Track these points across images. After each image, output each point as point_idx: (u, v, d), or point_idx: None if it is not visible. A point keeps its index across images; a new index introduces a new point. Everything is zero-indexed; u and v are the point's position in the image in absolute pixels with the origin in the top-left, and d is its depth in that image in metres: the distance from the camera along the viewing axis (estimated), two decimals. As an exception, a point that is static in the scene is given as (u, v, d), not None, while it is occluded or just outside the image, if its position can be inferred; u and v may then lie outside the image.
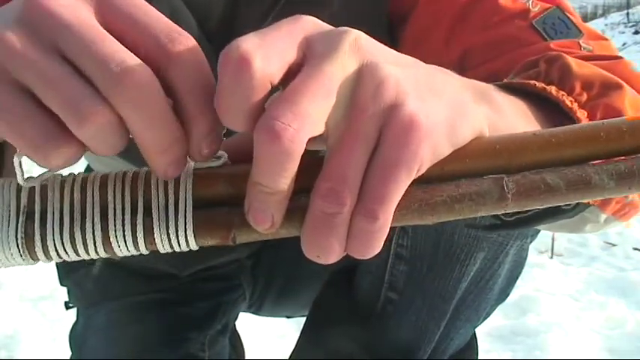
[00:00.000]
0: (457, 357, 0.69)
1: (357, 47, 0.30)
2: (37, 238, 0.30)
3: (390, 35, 0.65)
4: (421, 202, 0.30)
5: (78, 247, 0.30)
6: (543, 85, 0.41)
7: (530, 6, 0.58)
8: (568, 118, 0.40)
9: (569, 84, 0.41)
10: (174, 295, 0.80)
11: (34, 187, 0.31)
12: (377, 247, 0.30)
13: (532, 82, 0.40)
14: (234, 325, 0.91)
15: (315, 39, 0.30)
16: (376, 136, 0.29)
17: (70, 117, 0.27)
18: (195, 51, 0.29)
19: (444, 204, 0.31)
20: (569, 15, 0.58)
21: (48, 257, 0.31)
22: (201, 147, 0.30)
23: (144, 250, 0.31)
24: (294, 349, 0.74)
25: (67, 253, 0.30)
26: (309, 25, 0.31)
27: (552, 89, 0.40)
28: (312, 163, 0.29)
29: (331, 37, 0.30)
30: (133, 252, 0.31)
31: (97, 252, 0.31)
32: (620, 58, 0.53)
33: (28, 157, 0.29)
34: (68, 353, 0.86)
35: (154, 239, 0.30)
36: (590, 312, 1.54)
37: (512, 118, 0.36)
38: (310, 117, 0.28)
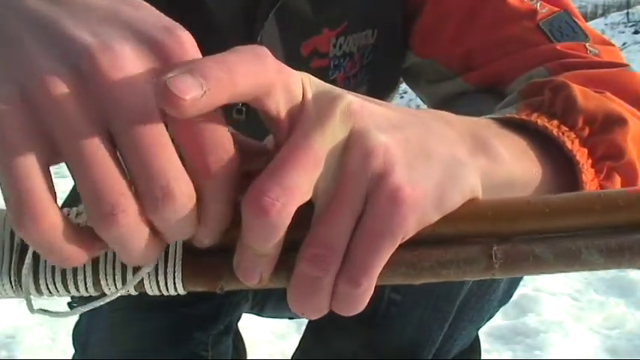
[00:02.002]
0: (460, 358, 0.70)
1: (349, 114, 0.30)
2: (30, 275, 0.30)
3: (402, 32, 0.65)
4: (408, 266, 0.31)
5: (69, 286, 0.31)
6: (545, 123, 0.40)
7: (538, 8, 0.58)
8: (568, 157, 0.40)
9: (571, 119, 0.41)
10: (178, 295, 0.80)
11: None
12: (361, 308, 0.31)
13: (534, 119, 0.40)
14: (237, 326, 0.91)
15: (308, 103, 0.30)
16: (363, 204, 0.29)
17: (96, 211, 0.27)
18: (231, 167, 0.29)
19: (431, 269, 0.31)
20: (576, 19, 0.58)
21: (39, 293, 0.31)
22: (204, 242, 0.30)
23: (133, 292, 0.32)
24: (296, 349, 0.75)
25: (57, 290, 0.31)
26: (305, 82, 0.31)
27: (554, 128, 0.40)
28: (304, 215, 0.29)
29: (324, 103, 0.30)
30: (123, 293, 0.32)
31: (87, 291, 0.31)
32: (626, 66, 0.53)
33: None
34: (68, 353, 0.86)
35: (143, 285, 0.31)
36: (589, 312, 1.54)
37: (509, 165, 0.35)
38: (298, 189, 0.28)
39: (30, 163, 0.26)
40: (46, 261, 0.31)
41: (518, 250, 0.31)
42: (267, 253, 0.30)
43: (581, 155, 0.40)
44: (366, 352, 0.65)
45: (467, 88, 0.62)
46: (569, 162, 0.40)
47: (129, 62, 0.27)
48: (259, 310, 0.91)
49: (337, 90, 0.31)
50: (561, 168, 0.40)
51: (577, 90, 0.43)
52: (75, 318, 0.87)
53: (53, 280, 0.31)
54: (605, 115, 0.42)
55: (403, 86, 0.77)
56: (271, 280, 0.31)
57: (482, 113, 0.51)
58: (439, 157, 0.31)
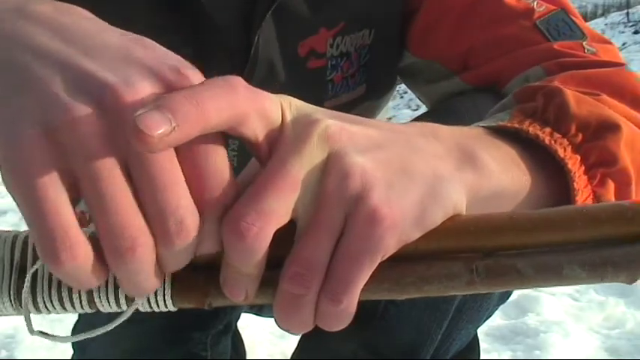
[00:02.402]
0: (459, 357, 0.70)
1: (326, 137, 0.30)
2: (28, 294, 0.32)
3: (400, 32, 0.65)
4: (391, 282, 0.31)
5: (65, 305, 0.32)
6: (537, 131, 0.40)
7: (535, 6, 0.58)
8: (559, 166, 0.40)
9: (564, 125, 0.41)
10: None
11: (27, 243, 0.32)
12: (345, 323, 0.32)
13: (526, 127, 0.40)
14: (236, 326, 0.91)
15: (287, 127, 0.31)
16: (342, 224, 0.30)
17: (114, 246, 0.28)
18: (229, 192, 0.30)
19: (414, 285, 0.31)
20: (573, 18, 0.58)
21: (37, 310, 0.32)
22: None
23: (125, 309, 0.33)
24: (295, 350, 0.74)
25: (55, 308, 0.32)
26: (284, 105, 0.31)
27: (546, 136, 0.40)
28: (289, 232, 0.30)
29: (302, 127, 0.31)
30: (116, 310, 0.33)
31: (82, 308, 0.33)
32: (623, 65, 0.53)
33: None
34: (68, 353, 0.86)
35: (134, 301, 0.32)
36: (589, 312, 1.54)
37: (497, 177, 0.36)
38: (275, 213, 0.29)
39: (60, 200, 0.27)
40: (43, 280, 0.32)
41: (499, 265, 0.31)
42: (250, 272, 0.30)
43: (573, 163, 0.40)
44: (364, 352, 0.65)
45: (465, 87, 0.62)
46: (562, 170, 0.40)
47: (146, 95, 0.28)
48: (258, 309, 0.91)
49: (317, 113, 0.32)
50: (554, 175, 0.40)
51: (570, 96, 0.43)
52: (74, 318, 0.87)
53: (50, 298, 0.32)
54: (598, 122, 0.42)
55: (403, 86, 0.77)
56: (257, 296, 0.32)
57: (479, 112, 0.51)
58: (421, 175, 0.31)
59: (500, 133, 0.40)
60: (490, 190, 0.35)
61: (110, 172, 0.27)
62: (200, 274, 0.32)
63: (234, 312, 0.85)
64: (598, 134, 0.42)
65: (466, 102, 0.60)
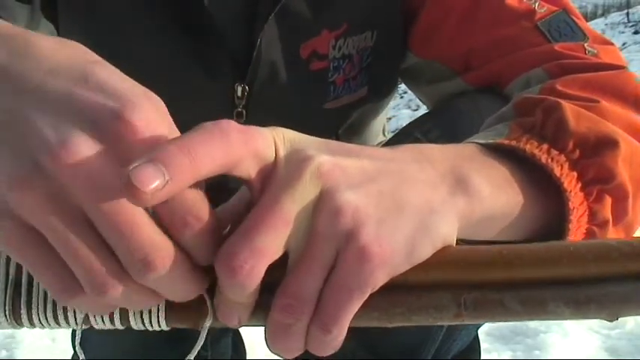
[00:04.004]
0: (460, 357, 0.70)
1: (319, 175, 0.31)
2: (24, 310, 0.33)
3: (402, 33, 0.65)
4: (380, 312, 0.32)
5: (60, 320, 0.33)
6: (534, 149, 0.40)
7: (537, 7, 0.58)
8: (556, 184, 0.40)
9: (562, 142, 0.41)
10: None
11: None
12: (335, 349, 0.32)
13: (522, 145, 0.40)
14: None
15: (280, 163, 0.31)
16: (333, 259, 0.31)
17: (89, 289, 0.29)
18: (206, 231, 0.30)
19: (402, 315, 0.32)
20: (575, 18, 0.58)
21: (32, 325, 0.33)
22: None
23: (119, 327, 0.33)
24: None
25: (49, 323, 0.33)
26: (277, 140, 0.32)
27: (543, 154, 0.40)
28: (283, 258, 0.31)
29: (294, 164, 0.31)
30: (110, 327, 0.33)
31: (76, 324, 0.33)
32: (624, 67, 0.53)
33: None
34: (68, 353, 0.86)
35: (129, 319, 0.33)
36: (590, 312, 1.54)
37: (490, 200, 0.36)
38: (267, 250, 0.30)
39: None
40: (38, 296, 0.33)
41: (486, 299, 0.32)
42: (243, 302, 0.31)
43: (569, 181, 0.40)
44: (365, 352, 0.65)
45: (466, 88, 0.62)
46: (558, 187, 0.40)
47: (85, 152, 0.27)
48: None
49: (310, 148, 0.32)
50: (550, 192, 0.40)
51: (569, 111, 0.43)
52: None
53: (45, 314, 0.33)
54: (596, 138, 0.42)
55: (403, 86, 0.77)
56: (250, 321, 0.33)
57: (481, 113, 0.51)
58: (412, 209, 0.32)
59: (496, 149, 0.40)
60: (483, 213, 0.36)
61: (68, 226, 0.28)
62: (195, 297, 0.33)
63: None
64: (596, 151, 0.42)
65: (468, 102, 0.60)
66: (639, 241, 0.33)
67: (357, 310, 0.31)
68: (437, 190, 0.34)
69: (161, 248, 0.28)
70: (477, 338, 0.73)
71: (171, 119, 0.31)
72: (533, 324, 1.45)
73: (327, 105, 0.66)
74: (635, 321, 1.49)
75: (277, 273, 0.31)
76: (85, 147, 0.27)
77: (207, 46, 0.60)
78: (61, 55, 0.31)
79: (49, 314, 0.33)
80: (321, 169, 0.31)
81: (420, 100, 0.75)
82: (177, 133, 0.30)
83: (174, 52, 0.60)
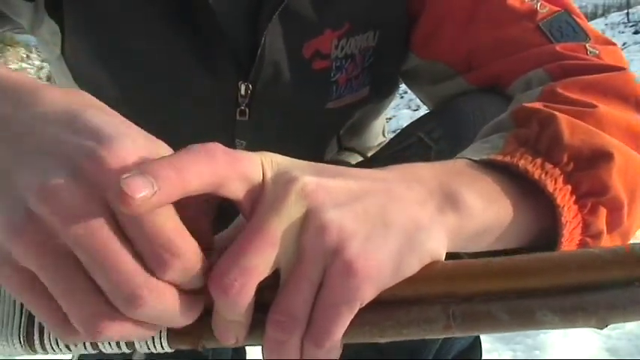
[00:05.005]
0: (461, 357, 0.70)
1: (304, 195, 0.32)
2: (37, 337, 0.35)
3: (404, 34, 0.65)
4: (372, 326, 0.33)
5: (70, 347, 0.35)
6: (528, 164, 0.40)
7: (538, 8, 0.58)
8: (549, 199, 0.40)
9: (557, 155, 0.41)
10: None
11: None
12: None
13: (516, 160, 0.40)
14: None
15: (267, 185, 0.32)
16: (321, 276, 0.32)
17: (83, 330, 0.30)
18: (188, 260, 0.30)
19: (392, 328, 0.33)
20: (576, 19, 0.58)
21: (44, 351, 0.35)
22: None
23: (126, 351, 0.35)
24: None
25: (61, 350, 0.35)
26: (264, 163, 0.33)
27: (536, 169, 0.40)
28: (276, 277, 0.32)
29: (280, 186, 0.32)
30: (117, 352, 0.35)
31: (86, 349, 0.35)
32: (625, 68, 0.53)
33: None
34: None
35: (134, 344, 0.34)
36: (590, 312, 1.55)
37: (480, 216, 0.37)
38: (256, 269, 0.31)
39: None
40: None
41: (475, 311, 0.33)
42: (238, 320, 0.32)
43: (563, 195, 0.40)
44: (368, 350, 0.65)
45: (468, 88, 0.63)
46: (551, 202, 0.40)
47: (63, 193, 0.29)
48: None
49: (295, 170, 0.33)
50: (543, 206, 0.40)
51: (564, 124, 0.43)
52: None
53: (57, 340, 0.35)
54: (591, 151, 0.42)
55: (403, 86, 0.77)
56: (247, 339, 0.34)
57: (484, 113, 0.51)
58: (398, 226, 0.33)
59: (489, 163, 0.40)
60: (474, 229, 0.36)
61: (58, 267, 0.29)
62: (195, 319, 0.34)
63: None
64: (590, 164, 0.42)
65: (471, 102, 0.60)
66: (622, 248, 0.33)
67: (347, 324, 0.32)
68: (424, 208, 0.34)
69: (148, 282, 0.29)
70: (478, 338, 0.73)
71: (161, 148, 0.32)
72: (534, 324, 1.46)
73: (329, 105, 0.66)
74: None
75: (272, 292, 0.32)
76: (63, 187, 0.28)
77: (211, 45, 0.60)
78: (61, 102, 0.32)
79: (61, 341, 0.34)
80: (306, 189, 0.32)
81: (421, 100, 0.75)
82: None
83: (178, 50, 0.61)
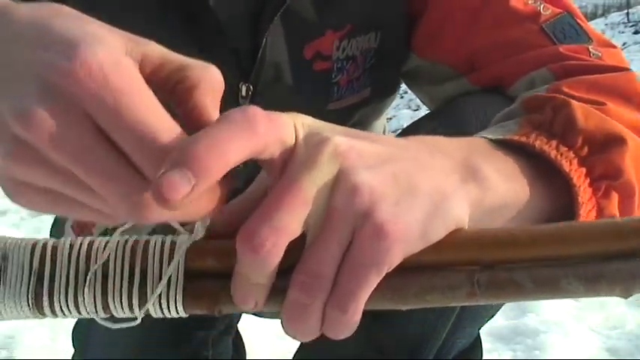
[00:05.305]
0: (462, 357, 0.70)
1: (336, 155, 0.32)
2: (46, 298, 0.34)
3: (406, 35, 0.65)
4: (394, 292, 0.33)
5: (80, 309, 0.34)
6: (544, 145, 0.41)
7: (541, 10, 0.59)
8: (565, 179, 0.41)
9: (571, 138, 0.42)
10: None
11: (45, 250, 0.34)
12: (350, 332, 0.33)
13: (532, 140, 0.41)
14: (237, 326, 0.91)
15: (299, 145, 0.32)
16: (349, 238, 0.31)
17: (127, 209, 0.30)
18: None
19: (416, 295, 0.33)
20: (579, 21, 0.59)
21: (54, 314, 0.34)
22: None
23: (139, 315, 0.34)
24: (299, 349, 0.74)
25: (70, 312, 0.34)
26: (298, 123, 0.33)
27: (552, 150, 0.41)
28: (300, 241, 0.32)
29: (312, 145, 0.32)
30: (129, 315, 0.34)
31: (97, 313, 0.34)
32: (628, 69, 0.54)
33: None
34: (68, 353, 0.86)
35: (148, 308, 0.34)
36: (589, 312, 1.54)
37: (500, 191, 0.37)
38: (287, 228, 0.30)
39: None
40: (60, 285, 0.34)
41: (499, 278, 0.33)
42: (261, 282, 0.32)
43: (578, 177, 0.41)
44: (369, 351, 0.65)
45: (470, 88, 0.63)
46: (566, 183, 0.40)
47: (47, 120, 0.28)
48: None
49: (327, 131, 0.33)
50: (558, 188, 0.41)
51: (578, 109, 0.43)
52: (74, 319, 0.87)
53: (67, 304, 0.34)
54: (604, 135, 0.43)
55: (403, 87, 0.77)
56: (266, 305, 0.33)
57: (487, 113, 0.51)
58: (425, 192, 0.33)
59: (505, 144, 0.40)
60: (493, 203, 0.36)
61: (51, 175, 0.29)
62: (211, 281, 0.34)
63: (235, 313, 0.85)
64: (604, 148, 0.42)
65: (473, 102, 0.60)
66: None
67: (373, 288, 0.31)
68: (449, 177, 0.34)
69: (142, 186, 0.29)
70: (478, 338, 0.73)
71: (147, 46, 0.32)
72: (534, 324, 1.45)
73: (330, 106, 0.66)
74: (635, 321, 1.49)
75: (294, 256, 0.31)
76: (39, 112, 0.28)
77: (212, 46, 0.60)
78: (28, 19, 0.31)
79: (71, 302, 0.34)
80: (338, 149, 0.32)
81: (421, 100, 0.75)
82: (144, 71, 0.31)
83: (179, 50, 0.60)
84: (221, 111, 0.64)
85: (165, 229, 0.34)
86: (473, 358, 0.72)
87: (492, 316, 0.71)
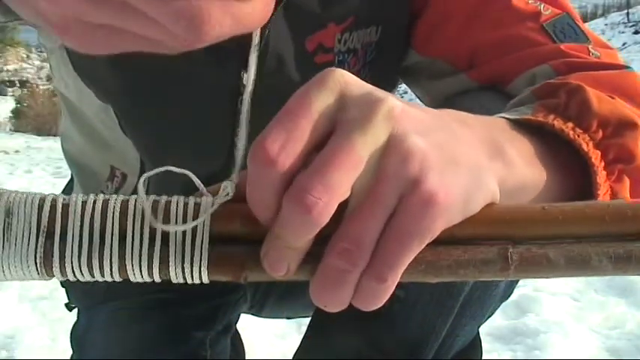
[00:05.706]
0: (462, 357, 0.69)
1: (390, 117, 0.30)
2: (56, 257, 0.31)
3: (406, 30, 0.65)
4: (427, 265, 0.32)
5: (94, 270, 0.31)
6: (561, 125, 0.41)
7: (542, 9, 0.59)
8: (582, 160, 0.41)
9: (586, 122, 0.42)
10: (176, 295, 0.80)
11: (55, 206, 0.31)
12: (381, 303, 0.32)
13: (550, 121, 0.41)
14: (236, 326, 0.91)
15: (350, 103, 0.31)
16: (395, 204, 0.30)
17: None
18: None
19: (449, 268, 0.32)
20: (577, 22, 0.59)
21: (64, 275, 0.32)
22: None
23: (157, 279, 0.32)
24: (298, 348, 0.74)
25: (82, 274, 0.32)
26: (347, 80, 0.32)
27: (570, 131, 0.41)
28: (337, 210, 0.30)
29: (366, 105, 0.30)
30: (147, 279, 0.32)
31: (112, 276, 0.32)
32: (629, 67, 0.54)
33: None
34: (68, 353, 0.86)
35: (169, 271, 0.31)
36: (590, 312, 1.54)
37: (521, 170, 0.37)
38: (339, 189, 0.29)
39: None
40: (72, 246, 0.31)
41: (532, 254, 0.32)
42: (299, 247, 0.31)
43: (595, 157, 0.41)
44: (368, 350, 0.64)
45: (470, 85, 0.63)
46: (583, 164, 0.41)
47: None
48: (258, 310, 0.91)
49: (379, 92, 0.31)
50: (573, 170, 0.41)
51: (592, 94, 0.43)
52: (74, 317, 0.87)
53: (79, 264, 0.31)
54: (618, 120, 0.43)
55: (403, 86, 0.77)
56: (297, 273, 0.31)
57: (486, 111, 0.51)
58: (466, 163, 0.32)
59: (523, 125, 0.40)
60: (515, 182, 0.36)
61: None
62: (238, 247, 0.32)
63: (233, 312, 0.85)
64: (617, 132, 0.43)
65: (473, 101, 0.60)
66: None
67: (412, 258, 0.30)
68: (480, 152, 0.34)
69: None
70: (478, 337, 0.73)
71: None
72: (533, 324, 1.45)
73: None
74: (635, 321, 1.49)
75: (330, 225, 0.30)
76: None
77: None
78: None
79: (84, 264, 0.31)
80: (393, 112, 0.30)
81: (417, 95, 0.75)
82: None
83: None
84: (220, 102, 0.64)
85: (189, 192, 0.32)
86: (472, 358, 0.72)
87: (491, 315, 0.71)
